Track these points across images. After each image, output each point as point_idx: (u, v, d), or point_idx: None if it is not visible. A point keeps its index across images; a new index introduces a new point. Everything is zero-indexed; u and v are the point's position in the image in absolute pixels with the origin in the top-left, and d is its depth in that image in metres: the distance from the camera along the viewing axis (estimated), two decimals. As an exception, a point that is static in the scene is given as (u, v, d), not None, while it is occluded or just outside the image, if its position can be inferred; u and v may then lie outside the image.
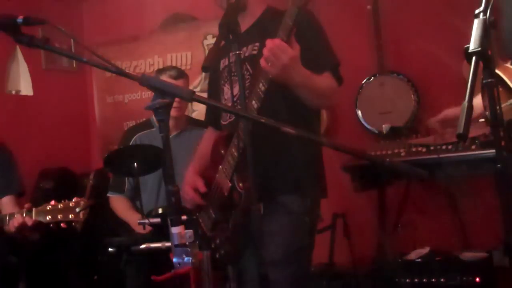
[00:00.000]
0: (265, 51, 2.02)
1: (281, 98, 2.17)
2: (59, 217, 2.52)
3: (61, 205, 2.53)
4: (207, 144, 2.54)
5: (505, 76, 1.97)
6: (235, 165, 2.19)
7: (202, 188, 2.37)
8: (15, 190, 3.01)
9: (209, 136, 2.62)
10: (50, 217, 2.53)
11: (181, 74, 3.45)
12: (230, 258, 2.28)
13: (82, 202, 2.51)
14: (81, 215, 2.50)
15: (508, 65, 2.10)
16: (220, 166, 2.29)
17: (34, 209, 2.57)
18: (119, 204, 3.56)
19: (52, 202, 2.53)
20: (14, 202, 2.94)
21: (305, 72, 2.09)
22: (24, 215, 2.58)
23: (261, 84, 2.08)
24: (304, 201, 2.26)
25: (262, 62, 2.04)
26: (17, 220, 2.58)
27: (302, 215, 2.25)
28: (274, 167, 2.22)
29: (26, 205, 2.61)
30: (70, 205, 2.52)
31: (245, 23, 2.30)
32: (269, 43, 2.01)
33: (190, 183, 2.40)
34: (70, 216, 2.51)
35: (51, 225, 2.55)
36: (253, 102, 2.09)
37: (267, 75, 2.06)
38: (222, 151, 2.28)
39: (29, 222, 2.57)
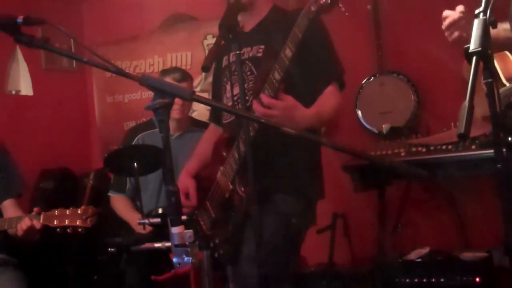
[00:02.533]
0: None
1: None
2: (66, 222, 2.55)
3: (69, 211, 2.57)
4: (207, 142, 2.53)
5: (499, 64, 1.94)
6: (237, 168, 2.19)
7: (193, 197, 2.38)
8: (15, 193, 3.02)
9: (209, 133, 2.61)
10: (57, 221, 2.56)
11: (185, 77, 3.44)
12: (229, 258, 2.28)
13: (90, 210, 2.54)
14: (88, 221, 2.53)
15: (507, 53, 2.06)
16: (222, 168, 2.28)
17: (42, 213, 2.60)
18: (119, 203, 3.56)
19: (61, 208, 2.57)
20: (15, 205, 2.95)
21: (310, 112, 2.12)
22: (33, 219, 2.61)
23: (267, 91, 2.09)
24: (297, 202, 2.24)
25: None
26: (25, 223, 2.61)
27: (290, 216, 2.21)
28: (271, 167, 2.21)
29: (35, 209, 2.63)
30: (78, 211, 2.54)
31: (251, 21, 2.29)
32: (258, 107, 2.03)
33: (182, 187, 2.37)
34: (77, 222, 2.53)
35: (58, 229, 2.58)
36: None
37: (275, 84, 2.07)
38: (224, 153, 2.28)
39: (37, 225, 2.60)
